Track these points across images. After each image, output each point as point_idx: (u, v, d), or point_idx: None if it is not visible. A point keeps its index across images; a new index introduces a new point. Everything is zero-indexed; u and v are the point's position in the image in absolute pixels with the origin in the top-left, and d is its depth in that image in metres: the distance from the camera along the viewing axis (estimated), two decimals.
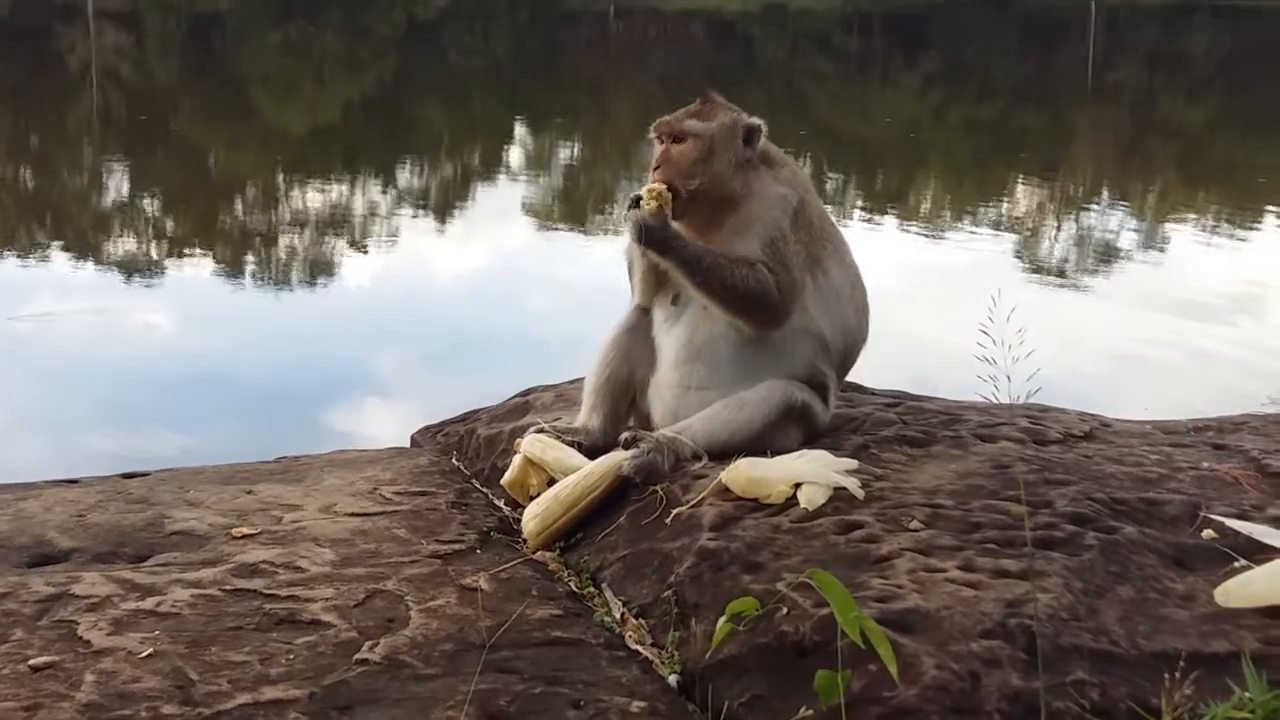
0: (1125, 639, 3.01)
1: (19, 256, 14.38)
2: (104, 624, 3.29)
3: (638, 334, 4.40)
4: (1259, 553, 3.36)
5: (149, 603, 3.43)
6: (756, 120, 4.32)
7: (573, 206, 19.41)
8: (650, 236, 4.07)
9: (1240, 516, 3.57)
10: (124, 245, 15.59)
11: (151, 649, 3.16)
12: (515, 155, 24.08)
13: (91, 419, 8.72)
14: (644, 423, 4.39)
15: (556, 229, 17.35)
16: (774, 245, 4.20)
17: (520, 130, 26.78)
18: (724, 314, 4.17)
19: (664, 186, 4.10)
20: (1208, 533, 3.51)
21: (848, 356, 4.42)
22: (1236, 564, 3.32)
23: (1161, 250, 16.61)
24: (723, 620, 2.93)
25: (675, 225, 4.15)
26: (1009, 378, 2.79)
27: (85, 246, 15.17)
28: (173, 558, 3.80)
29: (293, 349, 10.79)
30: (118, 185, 19.48)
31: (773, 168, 4.32)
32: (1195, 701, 2.73)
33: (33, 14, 44.13)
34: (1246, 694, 2.80)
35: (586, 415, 4.43)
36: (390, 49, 41.10)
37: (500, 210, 18.22)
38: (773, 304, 4.18)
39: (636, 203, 4.13)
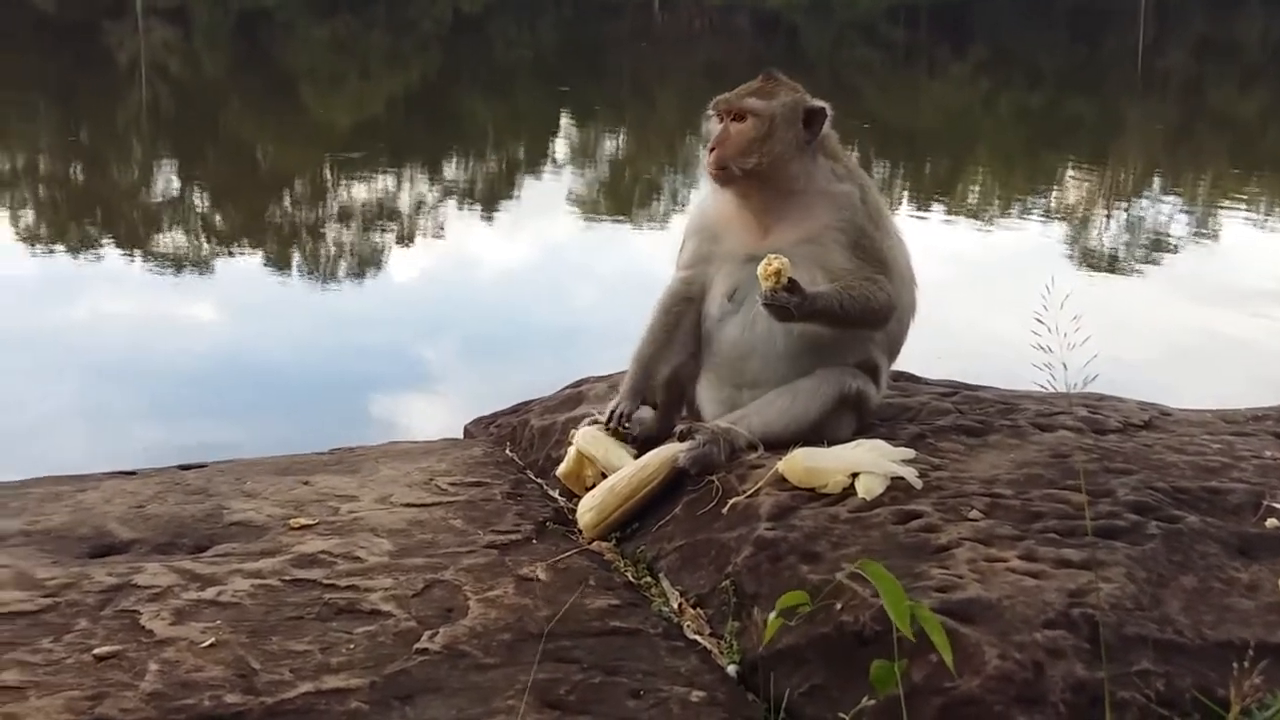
0: (1190, 629, 2.98)
1: (71, 252, 14.51)
2: (166, 614, 3.31)
3: (684, 321, 4.35)
4: None
5: (210, 593, 3.45)
6: (820, 102, 4.22)
7: (619, 198, 19.40)
8: (795, 313, 3.95)
9: None
10: (175, 240, 15.70)
11: (213, 638, 3.18)
12: (561, 147, 24.10)
13: (147, 412, 8.80)
14: (694, 416, 4.37)
15: (603, 220, 17.36)
16: (866, 250, 4.14)
17: (566, 122, 26.79)
18: (843, 332, 4.13)
19: (781, 261, 3.93)
20: (1271, 521, 3.48)
21: (899, 337, 4.37)
22: None
23: (1214, 239, 16.46)
24: (773, 615, 2.91)
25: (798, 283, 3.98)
26: (1065, 365, 2.76)
27: (136, 241, 15.30)
28: (232, 548, 3.82)
29: (344, 341, 10.85)
30: (167, 180, 19.62)
31: (830, 159, 4.25)
32: (1263, 691, 2.71)
33: (81, 10, 44.49)
34: None
35: (630, 399, 4.36)
36: (435, 43, 41.20)
37: (547, 202, 18.24)
38: (891, 309, 4.17)
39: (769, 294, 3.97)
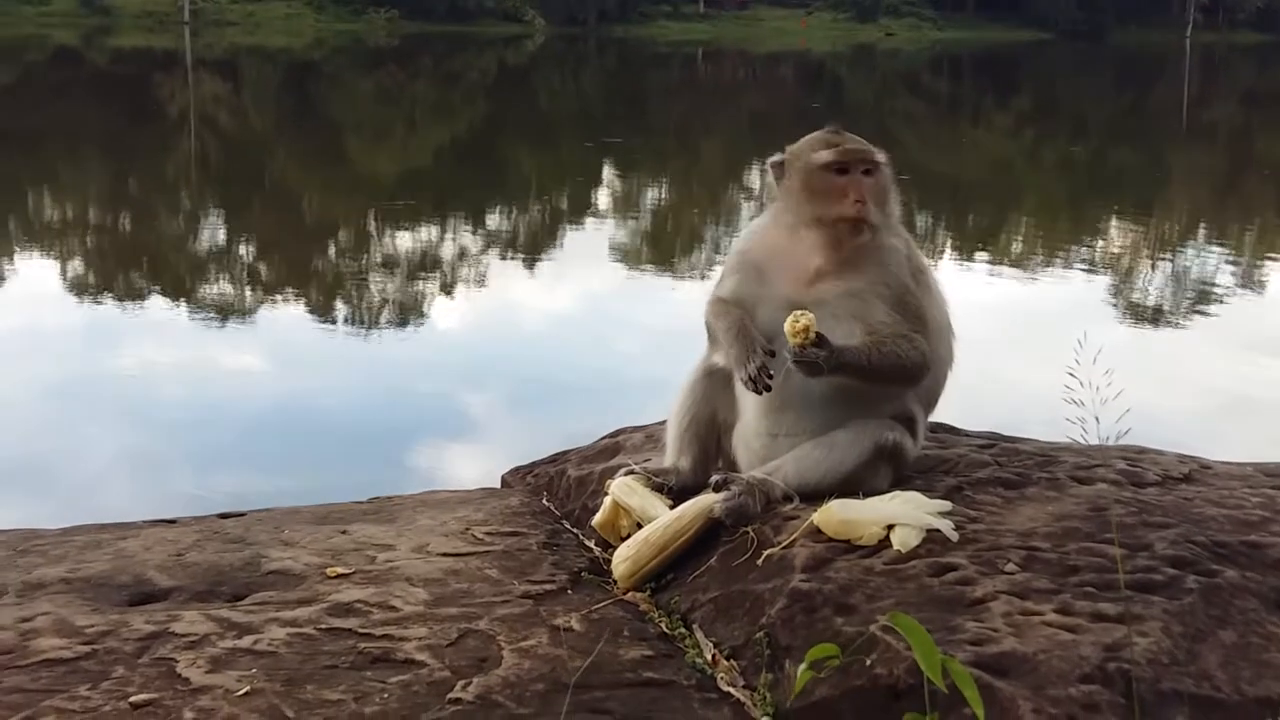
0: (1228, 684, 2.95)
1: (118, 301, 14.68)
2: (202, 662, 3.33)
3: (717, 379, 4.36)
4: None
5: (246, 641, 3.47)
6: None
7: (659, 248, 19.48)
8: (824, 368, 3.93)
9: None
10: (220, 289, 15.86)
11: (249, 687, 3.19)
12: (604, 197, 24.23)
13: (190, 461, 8.88)
14: (729, 466, 4.37)
15: (644, 270, 17.42)
16: (907, 306, 4.13)
17: (609, 172, 26.95)
18: (875, 388, 4.11)
19: (808, 317, 3.91)
20: None
21: (936, 389, 4.36)
22: None
23: (1259, 291, 16.38)
24: (803, 667, 2.91)
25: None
26: (1098, 419, 2.77)
27: (182, 290, 15.47)
28: (269, 596, 3.84)
29: (384, 391, 10.92)
30: (214, 230, 19.86)
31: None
32: None
33: (133, 63, 45.16)
34: None
35: (675, 457, 4.42)
36: (480, 94, 41.57)
37: (588, 252, 18.34)
38: (925, 369, 4.15)
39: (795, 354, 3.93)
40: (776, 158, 4.27)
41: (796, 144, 4.28)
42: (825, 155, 4.15)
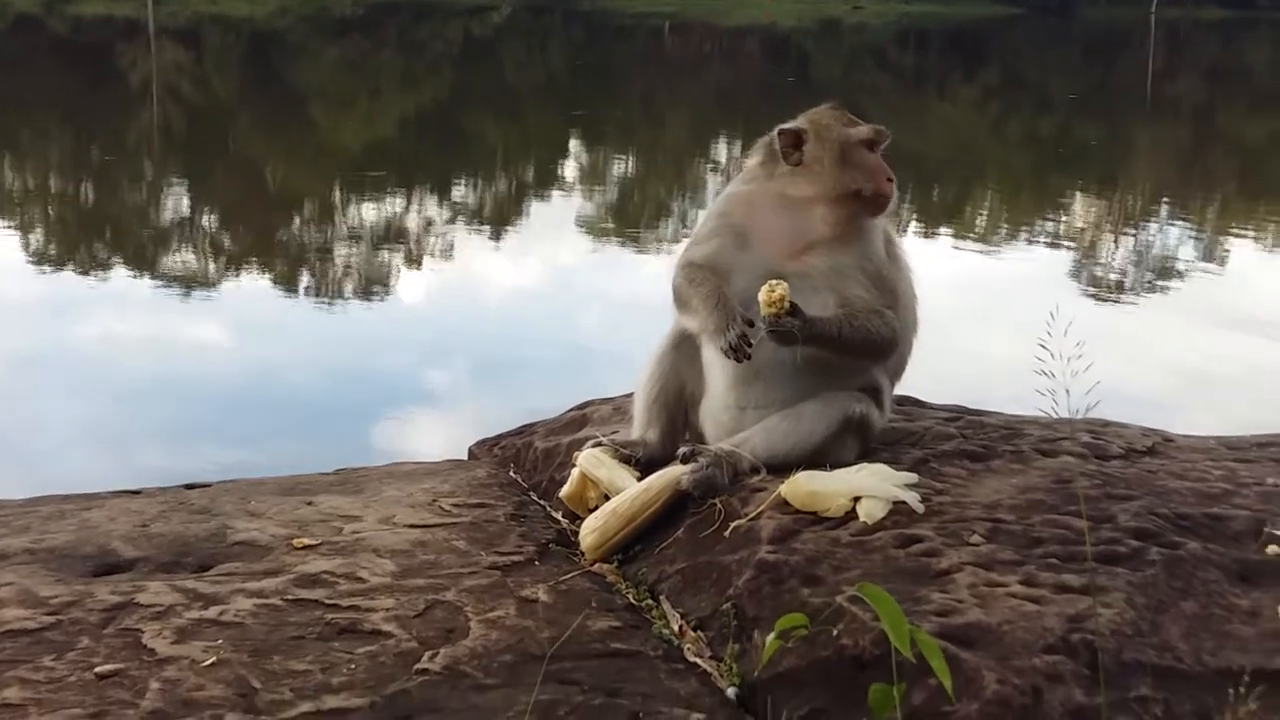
0: (1189, 655, 2.98)
1: (81, 272, 14.56)
2: (168, 633, 3.32)
3: (685, 350, 4.37)
4: None
5: (212, 612, 3.46)
6: None
7: (627, 221, 19.44)
8: (799, 337, 3.95)
9: None
10: (184, 260, 15.75)
11: (215, 657, 3.19)
12: (570, 169, 24.17)
13: (154, 433, 8.82)
14: (697, 438, 4.37)
15: (610, 243, 17.39)
16: (883, 281, 4.17)
17: (575, 144, 26.87)
18: (845, 360, 4.13)
19: (783, 287, 3.92)
20: (1272, 548, 3.47)
21: (902, 361, 4.38)
22: None
23: (1222, 265, 16.47)
24: (771, 637, 2.93)
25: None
26: (1068, 392, 2.78)
27: (145, 261, 15.35)
28: (235, 567, 3.83)
29: (349, 363, 10.87)
30: (177, 200, 19.70)
31: None
32: (1259, 716, 2.71)
33: (94, 31, 44.73)
34: None
35: (643, 429, 4.43)
36: (446, 65, 41.36)
37: (554, 224, 18.29)
38: (894, 344, 4.20)
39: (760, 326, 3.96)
40: (790, 125, 4.24)
41: (816, 115, 4.28)
42: (864, 132, 4.22)
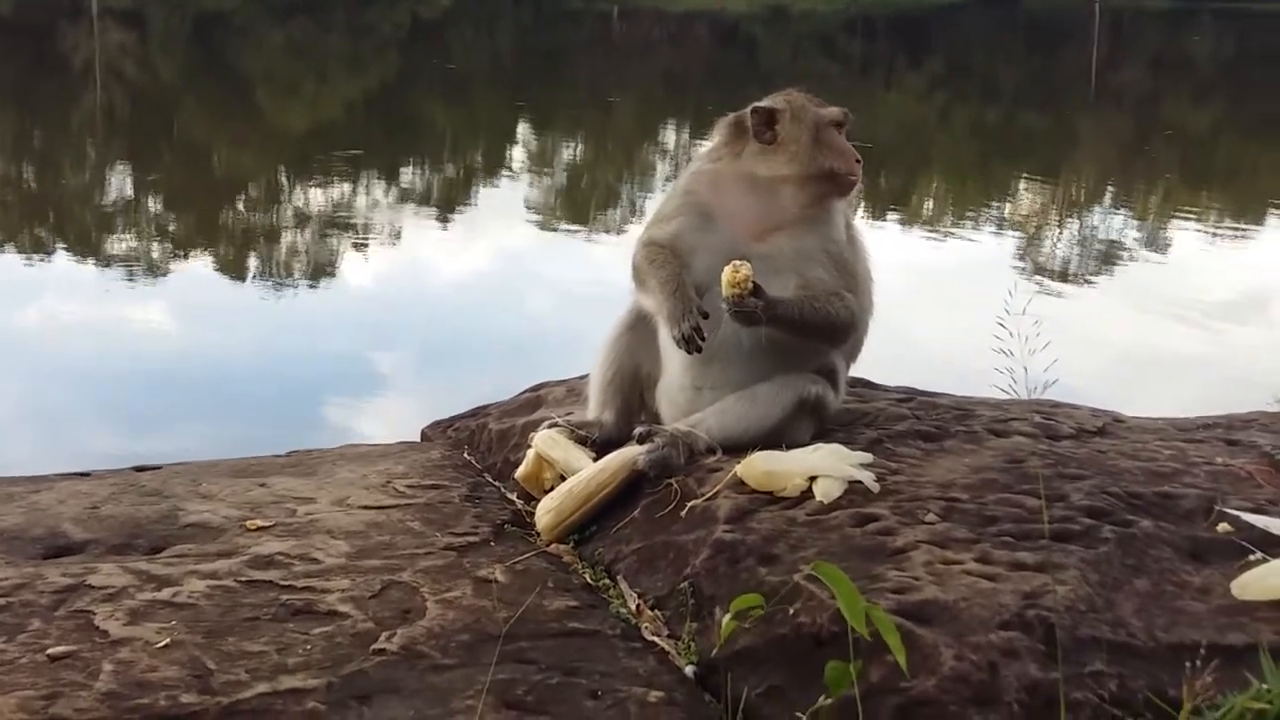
0: (1143, 631, 3.01)
1: (23, 255, 14.39)
2: (121, 614, 3.29)
3: (641, 331, 4.36)
4: (1275, 546, 3.36)
5: (165, 593, 3.43)
6: None
7: (573, 206, 19.42)
8: (761, 317, 3.95)
9: (1255, 511, 3.57)
10: (129, 243, 15.60)
11: (169, 639, 3.16)
12: (520, 154, 24.11)
13: (102, 416, 8.75)
14: (653, 419, 4.37)
15: (561, 227, 17.36)
16: (844, 265, 4.18)
17: (524, 129, 26.80)
18: (805, 342, 4.14)
19: (747, 267, 3.91)
20: (1223, 526, 3.51)
21: (859, 342, 4.40)
22: (1252, 557, 3.32)
23: (1166, 252, 16.64)
24: (728, 616, 2.93)
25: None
26: (1025, 369, 2.81)
27: (89, 245, 15.20)
28: (188, 549, 3.80)
29: (301, 347, 10.82)
30: (122, 184, 19.51)
31: None
32: (1214, 692, 2.74)
33: (37, 11, 44.15)
34: (1264, 686, 2.81)
35: (598, 410, 4.42)
36: (394, 48, 41.11)
37: (505, 209, 18.25)
38: (853, 327, 4.22)
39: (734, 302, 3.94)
40: (765, 104, 4.23)
41: (789, 95, 4.27)
42: (835, 112, 4.24)
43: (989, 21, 52.47)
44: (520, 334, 11.07)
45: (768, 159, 4.17)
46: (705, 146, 4.42)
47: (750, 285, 3.89)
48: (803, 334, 4.09)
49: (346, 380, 9.56)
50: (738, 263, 3.92)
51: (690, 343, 3.99)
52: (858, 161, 4.20)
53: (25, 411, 8.71)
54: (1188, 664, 2.69)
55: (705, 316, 4.00)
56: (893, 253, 14.91)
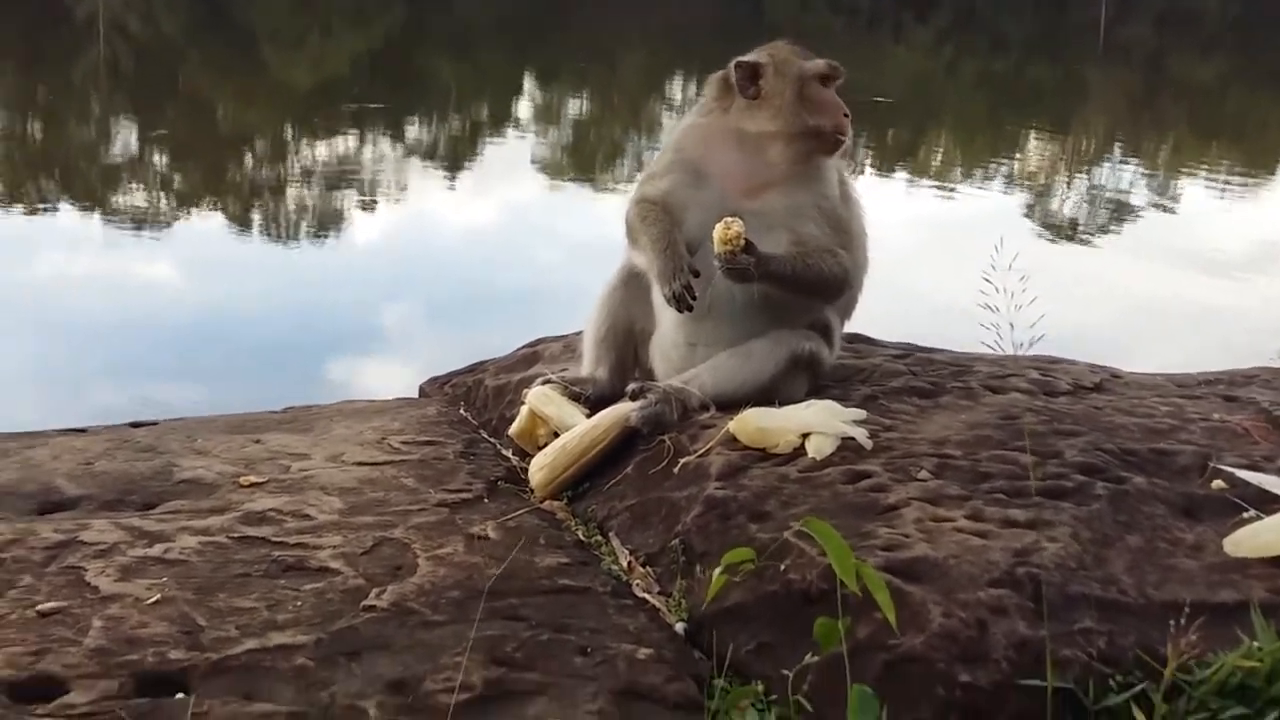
0: (1133, 588, 3.00)
1: (28, 210, 14.36)
2: (112, 570, 3.29)
3: (634, 287, 4.34)
4: (1269, 503, 3.35)
5: (157, 549, 3.43)
6: None
7: (579, 160, 19.35)
8: (754, 274, 3.94)
9: (1250, 467, 3.56)
10: (132, 199, 15.57)
11: (159, 595, 3.16)
12: (523, 109, 24.00)
13: (100, 372, 8.74)
14: (646, 376, 4.36)
15: (563, 182, 17.31)
16: (838, 221, 4.17)
17: (527, 84, 26.68)
18: (798, 299, 4.12)
19: (739, 224, 3.89)
20: (1217, 483, 3.50)
21: (853, 297, 4.38)
22: (1246, 514, 3.32)
23: (1173, 207, 16.56)
24: (718, 571, 2.92)
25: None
26: (1012, 325, 2.79)
27: (94, 200, 15.16)
28: (181, 505, 3.80)
29: (302, 303, 10.80)
30: (125, 139, 19.45)
31: None
32: (1202, 649, 2.74)
33: None
34: (1255, 643, 2.80)
35: (592, 366, 4.41)
36: (398, 1, 40.88)
37: (507, 164, 18.18)
38: (847, 283, 4.19)
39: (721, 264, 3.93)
40: (748, 58, 4.20)
41: (774, 49, 4.23)
42: (820, 65, 4.20)
43: None
44: (524, 289, 11.04)
45: (754, 115, 4.15)
46: (701, 99, 4.39)
47: (742, 242, 3.87)
48: (796, 290, 4.06)
49: (348, 337, 9.55)
50: (729, 219, 3.90)
51: (681, 301, 3.97)
52: (846, 116, 4.15)
53: (25, 367, 8.72)
54: (1175, 621, 2.68)
55: (696, 275, 3.98)
56: (900, 206, 14.86)
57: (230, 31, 32.86)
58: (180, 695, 2.77)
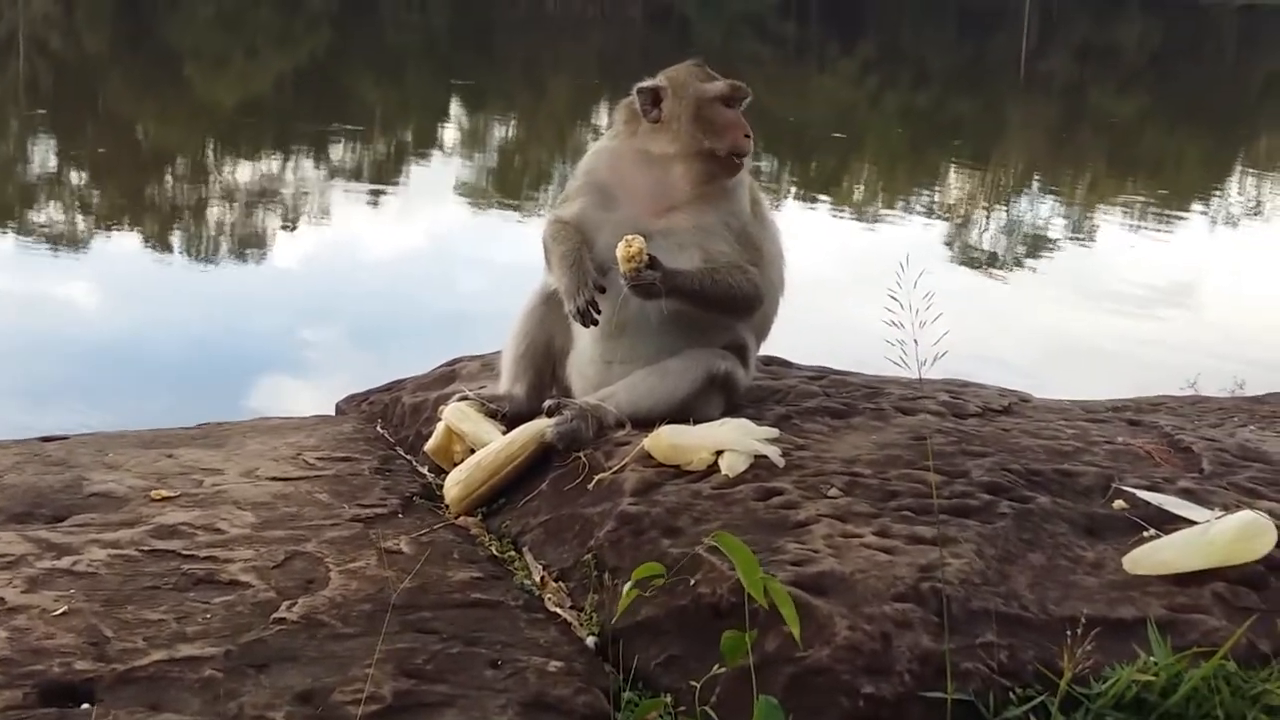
0: (1035, 604, 3.06)
1: None
2: (18, 582, 3.26)
3: (553, 305, 4.36)
4: (1168, 523, 3.43)
5: (65, 562, 3.40)
6: None
7: (503, 184, 19.36)
8: (660, 289, 3.95)
9: (1151, 488, 3.64)
10: (49, 216, 15.38)
11: (66, 607, 3.13)
12: (450, 133, 23.98)
13: (10, 391, 8.62)
14: (564, 393, 4.38)
15: (485, 206, 17.31)
16: (748, 239, 4.20)
17: (454, 107, 26.65)
18: (709, 316, 4.15)
19: (640, 241, 3.92)
20: (1119, 503, 3.57)
21: (767, 319, 4.42)
22: (1146, 534, 3.39)
23: (1089, 241, 16.82)
24: (628, 586, 2.95)
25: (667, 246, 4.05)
26: (916, 341, 2.83)
27: (9, 218, 14.97)
28: (90, 519, 3.77)
29: (220, 323, 10.72)
30: (43, 157, 19.21)
31: None
32: (1100, 663, 2.80)
33: None
34: (1151, 658, 2.87)
35: (510, 383, 4.43)
36: (325, 22, 40.74)
37: (430, 187, 18.17)
38: (758, 300, 4.22)
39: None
40: (649, 83, 4.24)
41: (674, 73, 4.27)
42: (720, 87, 4.22)
43: (922, 6, 52.77)
44: (445, 311, 11.04)
45: (657, 137, 4.21)
46: (612, 123, 4.44)
47: (645, 259, 3.91)
48: (705, 306, 4.11)
49: (266, 357, 9.50)
50: (630, 237, 3.94)
51: (585, 316, 4.02)
52: (747, 137, 4.19)
53: None
54: (1071, 633, 2.74)
55: (602, 291, 4.02)
56: (821, 235, 15.00)
57: (154, 50, 32.58)
58: (86, 706, 2.76)
